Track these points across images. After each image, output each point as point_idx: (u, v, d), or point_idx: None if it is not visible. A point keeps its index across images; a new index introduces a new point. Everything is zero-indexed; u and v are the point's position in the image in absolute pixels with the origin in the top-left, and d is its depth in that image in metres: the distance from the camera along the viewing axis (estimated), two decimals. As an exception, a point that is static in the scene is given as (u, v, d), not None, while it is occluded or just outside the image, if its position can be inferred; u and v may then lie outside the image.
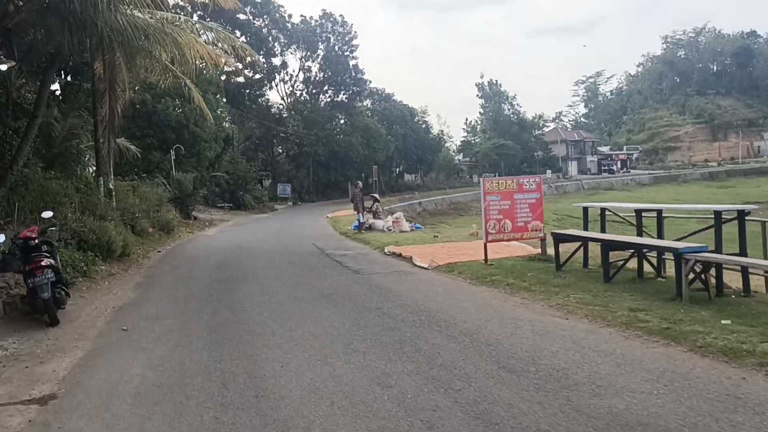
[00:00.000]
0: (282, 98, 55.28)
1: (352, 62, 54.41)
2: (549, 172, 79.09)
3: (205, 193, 32.29)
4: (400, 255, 13.08)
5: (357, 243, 16.67)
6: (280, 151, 54.59)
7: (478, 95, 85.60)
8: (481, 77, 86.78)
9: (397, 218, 19.98)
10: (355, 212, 20.90)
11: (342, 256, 13.54)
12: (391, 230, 19.02)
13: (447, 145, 76.50)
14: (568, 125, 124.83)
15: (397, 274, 10.68)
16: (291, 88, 55.63)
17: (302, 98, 55.60)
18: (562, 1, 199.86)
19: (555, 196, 72.65)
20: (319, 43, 53.93)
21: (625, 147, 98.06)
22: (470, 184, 76.00)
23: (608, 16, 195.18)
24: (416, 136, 63.00)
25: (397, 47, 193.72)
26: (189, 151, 33.93)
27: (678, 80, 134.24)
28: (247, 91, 50.22)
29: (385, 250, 14.02)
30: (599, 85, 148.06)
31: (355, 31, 54.60)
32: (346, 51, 54.15)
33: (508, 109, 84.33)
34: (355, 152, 52.97)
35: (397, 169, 66.97)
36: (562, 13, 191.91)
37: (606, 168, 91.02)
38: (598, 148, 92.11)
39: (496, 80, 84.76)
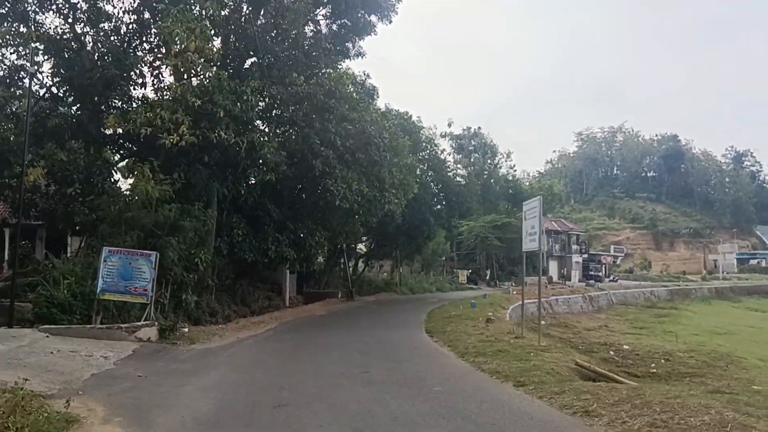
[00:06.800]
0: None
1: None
2: (576, 275, 50.48)
3: None
4: None
5: None
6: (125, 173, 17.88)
7: (450, 149, 55.83)
8: (449, 126, 57.75)
9: None
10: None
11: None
12: None
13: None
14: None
15: None
16: None
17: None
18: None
19: (616, 319, 43.43)
20: None
21: (612, 248, 74.00)
22: (458, 284, 44.35)
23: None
24: (438, 175, 30.12)
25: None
26: None
27: (600, 179, 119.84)
28: None
29: None
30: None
31: None
32: None
33: (491, 171, 55.34)
34: (354, 191, 19.09)
35: (372, 245, 33.19)
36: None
37: (593, 274, 64.79)
38: (582, 243, 66.29)
39: (478, 128, 56.42)
